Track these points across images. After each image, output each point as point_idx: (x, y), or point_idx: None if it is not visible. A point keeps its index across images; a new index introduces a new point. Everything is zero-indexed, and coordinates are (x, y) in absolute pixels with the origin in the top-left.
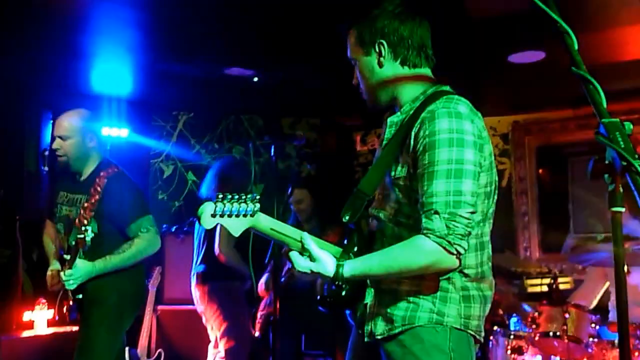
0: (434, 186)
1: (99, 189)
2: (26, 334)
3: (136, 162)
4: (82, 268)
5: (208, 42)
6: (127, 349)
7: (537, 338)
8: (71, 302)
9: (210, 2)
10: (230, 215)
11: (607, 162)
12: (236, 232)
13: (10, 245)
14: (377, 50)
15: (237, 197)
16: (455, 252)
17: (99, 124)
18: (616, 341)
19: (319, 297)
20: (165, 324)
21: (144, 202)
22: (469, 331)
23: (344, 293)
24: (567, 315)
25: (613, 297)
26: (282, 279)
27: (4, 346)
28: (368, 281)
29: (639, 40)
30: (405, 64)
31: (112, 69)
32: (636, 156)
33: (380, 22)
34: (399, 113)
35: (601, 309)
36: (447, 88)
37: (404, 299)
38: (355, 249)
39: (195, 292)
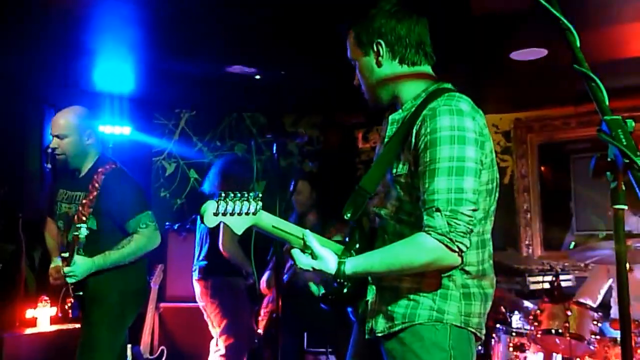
0: (436, 183)
1: (96, 185)
2: (29, 331)
3: (138, 160)
4: (81, 265)
5: (210, 40)
6: (129, 346)
7: (539, 335)
8: (72, 300)
9: (212, 0)
10: (232, 214)
11: (609, 159)
12: (239, 230)
13: (13, 243)
14: (375, 50)
15: (239, 195)
16: (457, 250)
17: (96, 121)
18: (618, 338)
19: (321, 295)
20: (167, 321)
21: (142, 198)
22: (470, 329)
23: (345, 290)
24: (569, 313)
25: (615, 294)
26: (285, 276)
27: (7, 343)
28: (369, 278)
29: None
30: (403, 62)
31: (115, 67)
32: (638, 153)
33: (377, 22)
34: (400, 110)
35: (603, 306)
36: (449, 85)
37: (405, 296)
38: (357, 246)
39: (197, 287)
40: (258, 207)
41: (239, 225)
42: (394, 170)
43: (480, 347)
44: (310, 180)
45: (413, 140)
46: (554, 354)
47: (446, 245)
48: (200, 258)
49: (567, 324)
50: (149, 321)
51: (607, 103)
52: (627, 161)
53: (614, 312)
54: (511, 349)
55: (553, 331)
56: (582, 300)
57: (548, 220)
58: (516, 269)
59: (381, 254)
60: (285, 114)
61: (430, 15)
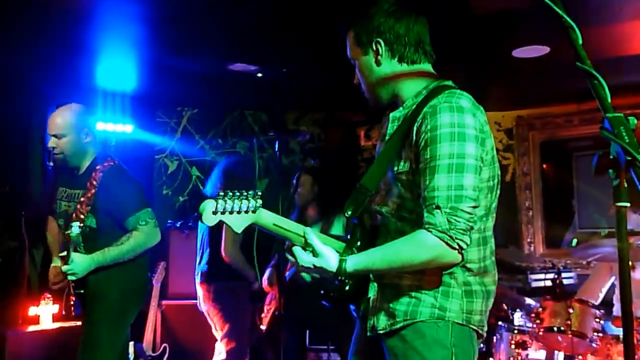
0: (436, 181)
1: (94, 183)
2: (32, 328)
3: (141, 158)
4: (80, 263)
5: (212, 38)
6: (132, 343)
7: (541, 333)
8: (73, 299)
9: None
10: (231, 212)
11: (611, 157)
12: (238, 229)
13: (16, 240)
14: (374, 49)
15: (238, 194)
16: (457, 247)
17: (94, 118)
18: (621, 336)
19: (323, 292)
20: (169, 318)
21: (141, 195)
22: (471, 326)
23: (347, 288)
24: (571, 310)
25: (618, 292)
26: (288, 274)
27: (10, 341)
28: (371, 276)
29: None
30: (403, 60)
31: (117, 65)
32: None
33: (376, 21)
34: (401, 108)
35: (605, 303)
36: (450, 83)
37: (406, 293)
38: (359, 243)
39: (199, 291)
40: (258, 205)
41: (238, 223)
42: (395, 168)
43: (482, 345)
44: (312, 174)
45: (414, 137)
46: (556, 352)
47: (446, 243)
48: (202, 262)
49: (569, 322)
50: (152, 318)
51: (609, 100)
52: (630, 158)
53: (617, 309)
54: (513, 346)
55: (555, 329)
56: (583, 298)
57: (550, 217)
58: (518, 267)
59: (382, 251)
60: (287, 112)
61: (432, 14)
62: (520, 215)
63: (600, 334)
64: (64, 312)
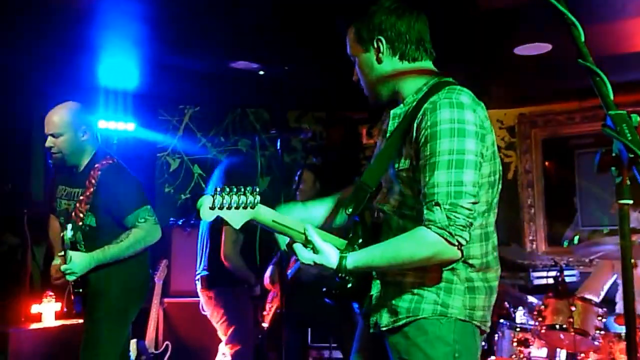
0: (435, 177)
1: (93, 181)
2: (34, 326)
3: (142, 156)
4: (79, 261)
5: (214, 36)
6: (134, 340)
7: (543, 331)
8: (73, 297)
9: None
10: (229, 208)
11: (614, 154)
12: (237, 225)
13: (18, 238)
14: (375, 46)
15: (235, 189)
16: (456, 244)
17: (91, 115)
18: (623, 334)
19: (325, 290)
20: (171, 316)
21: (140, 193)
22: (474, 322)
23: (349, 285)
24: (573, 308)
25: (620, 289)
26: (290, 272)
27: (12, 338)
28: (373, 273)
29: None
30: (404, 58)
31: (119, 63)
32: None
33: (377, 19)
34: (401, 105)
35: (607, 301)
36: (450, 79)
37: (409, 290)
38: (360, 241)
39: (201, 297)
40: (256, 200)
41: (236, 219)
42: (396, 165)
43: (484, 343)
44: (314, 171)
45: (414, 133)
46: (558, 350)
47: (446, 239)
48: (202, 267)
49: (571, 320)
50: (154, 316)
51: (611, 98)
52: (632, 156)
53: (619, 307)
54: (515, 344)
55: (557, 326)
56: (584, 296)
57: (552, 215)
58: (520, 265)
59: (382, 248)
60: (289, 110)
61: (434, 12)
62: (522, 213)
63: (603, 332)
64: (65, 310)
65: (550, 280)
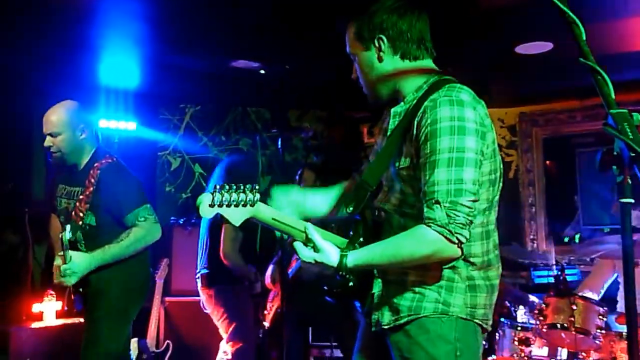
0: (436, 175)
1: (92, 180)
2: (35, 325)
3: (143, 155)
4: (80, 262)
5: (215, 35)
6: (135, 340)
7: (544, 330)
8: (73, 297)
9: None
10: (229, 205)
11: (615, 153)
12: (236, 222)
13: (19, 235)
14: (377, 45)
15: (235, 187)
16: (456, 241)
17: (89, 114)
18: (624, 333)
19: (326, 288)
20: (173, 315)
21: (140, 192)
22: (476, 320)
23: (351, 284)
24: (574, 307)
25: (622, 288)
26: (291, 271)
27: (13, 337)
28: (375, 272)
29: None
30: (405, 57)
31: (120, 62)
32: None
33: (378, 17)
34: (402, 103)
35: (608, 300)
36: (450, 78)
37: (410, 289)
38: (361, 239)
39: (201, 295)
40: (255, 198)
41: (236, 217)
42: (397, 164)
43: (484, 342)
44: (315, 170)
45: (414, 131)
46: (559, 349)
47: (446, 237)
48: (202, 265)
49: (572, 318)
50: (155, 315)
51: (613, 96)
52: (634, 155)
53: (620, 306)
54: (516, 343)
55: (558, 325)
56: (584, 294)
57: (553, 214)
58: (521, 264)
59: (382, 246)
60: (290, 109)
61: (436, 10)
62: (523, 212)
63: (604, 331)
64: (66, 309)
65: (551, 279)
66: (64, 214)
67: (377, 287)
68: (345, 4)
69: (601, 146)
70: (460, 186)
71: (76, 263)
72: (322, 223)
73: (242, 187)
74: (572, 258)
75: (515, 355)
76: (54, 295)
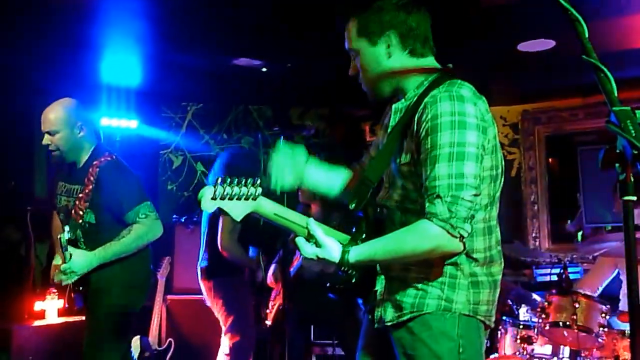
0: (437, 170)
1: (92, 178)
2: (37, 323)
3: (145, 153)
4: (80, 261)
5: (216, 33)
6: (138, 337)
7: (546, 328)
8: (73, 295)
9: None
10: (231, 198)
11: (618, 151)
12: (238, 217)
13: (20, 233)
14: (386, 41)
15: (237, 180)
16: (458, 236)
17: (87, 112)
18: (627, 331)
19: (329, 285)
20: (174, 313)
21: (140, 189)
22: (478, 317)
23: (354, 280)
24: (576, 305)
25: (624, 286)
26: (293, 270)
27: (16, 335)
28: (378, 268)
29: None
30: (414, 54)
31: (121, 60)
32: None
33: (386, 14)
34: (403, 100)
35: (610, 298)
36: (451, 74)
37: (413, 286)
38: (364, 236)
39: (202, 287)
40: (257, 192)
41: (238, 211)
42: (398, 160)
43: (486, 340)
44: None
45: (415, 127)
46: (562, 347)
47: (448, 232)
48: (202, 258)
49: (574, 317)
50: (157, 313)
51: (615, 94)
52: (636, 152)
53: (623, 304)
54: (518, 341)
55: (561, 324)
56: (581, 291)
57: (555, 212)
58: (523, 262)
59: (384, 241)
60: (291, 107)
61: (438, 7)
62: (525, 210)
63: (606, 329)
64: (67, 306)
65: (554, 277)
66: (63, 211)
67: (379, 284)
68: (346, 2)
69: (604, 144)
70: (462, 180)
71: (76, 262)
72: (324, 219)
73: (244, 181)
74: (574, 256)
75: (517, 353)
76: (56, 294)
